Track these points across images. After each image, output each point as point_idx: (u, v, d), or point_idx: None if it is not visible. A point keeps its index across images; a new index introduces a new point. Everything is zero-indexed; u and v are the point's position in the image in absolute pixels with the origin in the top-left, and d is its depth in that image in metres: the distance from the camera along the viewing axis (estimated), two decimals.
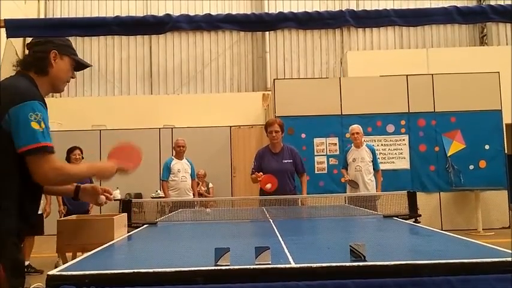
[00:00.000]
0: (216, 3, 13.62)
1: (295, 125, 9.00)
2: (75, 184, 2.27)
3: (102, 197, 2.24)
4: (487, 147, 9.00)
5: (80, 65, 2.13)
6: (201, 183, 9.76)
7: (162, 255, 1.92)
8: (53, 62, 1.97)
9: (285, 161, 5.07)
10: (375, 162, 6.58)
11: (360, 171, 6.51)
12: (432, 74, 9.50)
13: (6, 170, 1.76)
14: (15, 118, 1.74)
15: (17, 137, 1.74)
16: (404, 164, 8.99)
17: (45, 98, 1.95)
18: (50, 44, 1.99)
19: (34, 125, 1.75)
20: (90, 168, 2.09)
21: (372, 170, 6.54)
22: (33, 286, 1.66)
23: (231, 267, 1.45)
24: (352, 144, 6.70)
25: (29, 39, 2.11)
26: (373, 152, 6.63)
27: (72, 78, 2.10)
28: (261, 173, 4.78)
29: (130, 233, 2.64)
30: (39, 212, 5.79)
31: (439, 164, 9.00)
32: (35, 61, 1.96)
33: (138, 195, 10.25)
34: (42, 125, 1.77)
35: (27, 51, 2.05)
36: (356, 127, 6.67)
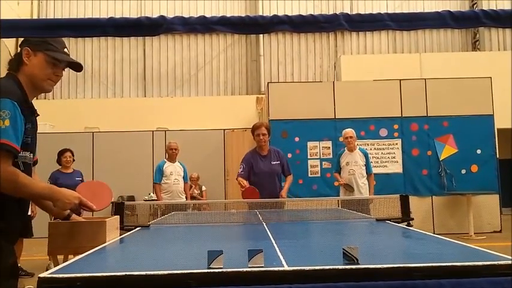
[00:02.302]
0: (210, 4, 13.65)
1: (288, 129, 9.02)
2: (67, 212, 2.16)
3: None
4: (479, 151, 9.07)
5: (71, 64, 2.06)
6: (194, 186, 9.73)
7: (155, 258, 1.91)
8: (26, 59, 1.93)
9: (273, 163, 5.23)
10: (367, 166, 6.59)
11: (353, 175, 6.52)
12: (425, 79, 9.57)
13: None
14: None
15: None
16: (397, 167, 9.03)
17: (37, 98, 1.92)
18: (25, 42, 1.97)
19: None
20: (46, 189, 1.92)
21: (365, 174, 6.56)
22: None
23: (224, 270, 1.44)
24: (346, 148, 6.71)
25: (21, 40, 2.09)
26: (366, 155, 6.64)
27: (58, 75, 2.00)
28: (246, 182, 4.91)
29: (123, 235, 2.62)
30: (28, 213, 5.73)
31: (432, 168, 9.05)
32: (11, 59, 1.96)
33: (131, 198, 10.21)
34: (6, 122, 1.71)
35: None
36: (349, 131, 6.68)
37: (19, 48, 2.02)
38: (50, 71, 1.97)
